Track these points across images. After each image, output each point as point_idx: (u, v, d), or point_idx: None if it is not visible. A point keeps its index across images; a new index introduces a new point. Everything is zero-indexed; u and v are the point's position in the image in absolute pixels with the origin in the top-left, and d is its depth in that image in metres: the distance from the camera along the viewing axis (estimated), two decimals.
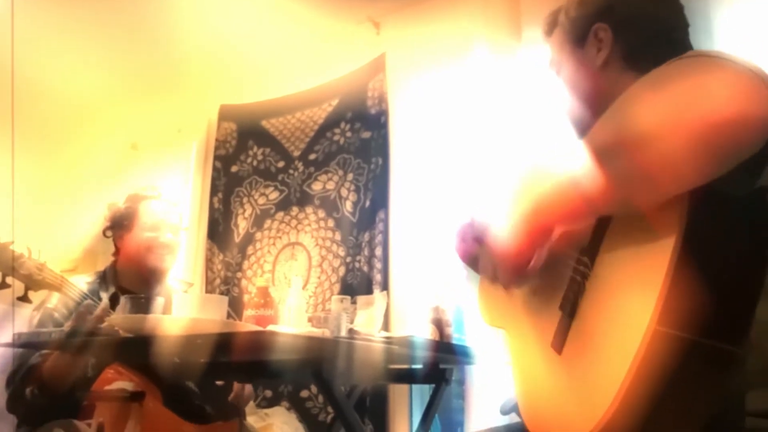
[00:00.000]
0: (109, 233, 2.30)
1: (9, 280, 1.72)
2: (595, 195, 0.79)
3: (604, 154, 0.78)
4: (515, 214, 0.91)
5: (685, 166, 0.71)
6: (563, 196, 0.84)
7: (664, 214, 0.73)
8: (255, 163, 3.74)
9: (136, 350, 1.66)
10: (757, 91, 0.70)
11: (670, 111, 0.72)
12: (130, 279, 2.23)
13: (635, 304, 0.72)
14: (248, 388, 2.20)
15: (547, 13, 1.36)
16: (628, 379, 0.68)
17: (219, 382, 2.20)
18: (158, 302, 1.59)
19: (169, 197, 2.40)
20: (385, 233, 3.08)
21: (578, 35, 1.22)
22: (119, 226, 2.27)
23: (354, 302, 1.92)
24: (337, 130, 3.46)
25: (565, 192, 0.84)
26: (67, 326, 1.70)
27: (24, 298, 1.77)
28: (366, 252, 3.10)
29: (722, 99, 0.69)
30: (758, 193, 0.75)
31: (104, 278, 2.21)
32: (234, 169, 3.81)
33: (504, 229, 0.93)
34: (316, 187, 3.45)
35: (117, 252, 2.29)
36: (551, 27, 1.32)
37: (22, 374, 1.90)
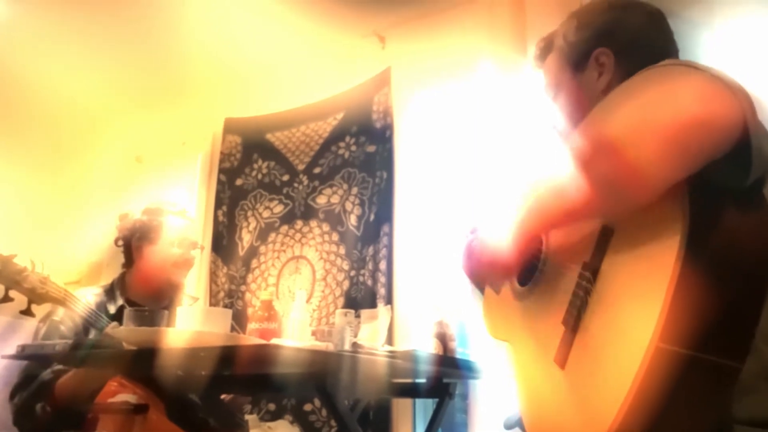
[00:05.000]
0: (121, 243, 2.26)
1: (12, 293, 1.70)
2: (578, 202, 0.84)
3: (583, 161, 0.82)
4: (507, 225, 0.99)
5: (656, 167, 0.75)
6: (548, 205, 0.90)
7: (663, 227, 0.74)
8: (260, 176, 3.75)
9: (140, 363, 1.66)
10: (719, 94, 0.75)
11: (640, 117, 0.77)
12: (142, 292, 2.19)
13: (638, 319, 0.72)
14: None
15: (539, 39, 1.36)
16: (630, 397, 0.68)
17: (224, 396, 2.19)
18: (162, 315, 1.59)
19: (189, 214, 2.39)
20: (390, 247, 3.08)
21: (578, 60, 1.23)
22: (141, 237, 2.22)
23: (358, 316, 1.92)
24: (342, 144, 3.47)
25: (549, 201, 0.90)
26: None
27: (27, 312, 1.74)
28: (370, 266, 3.10)
29: (686, 103, 0.74)
30: (759, 207, 0.76)
31: (112, 291, 2.18)
32: (239, 182, 3.82)
33: (495, 237, 1.01)
34: (321, 200, 3.45)
35: (131, 263, 2.25)
36: (545, 52, 1.33)
37: (33, 390, 1.89)
